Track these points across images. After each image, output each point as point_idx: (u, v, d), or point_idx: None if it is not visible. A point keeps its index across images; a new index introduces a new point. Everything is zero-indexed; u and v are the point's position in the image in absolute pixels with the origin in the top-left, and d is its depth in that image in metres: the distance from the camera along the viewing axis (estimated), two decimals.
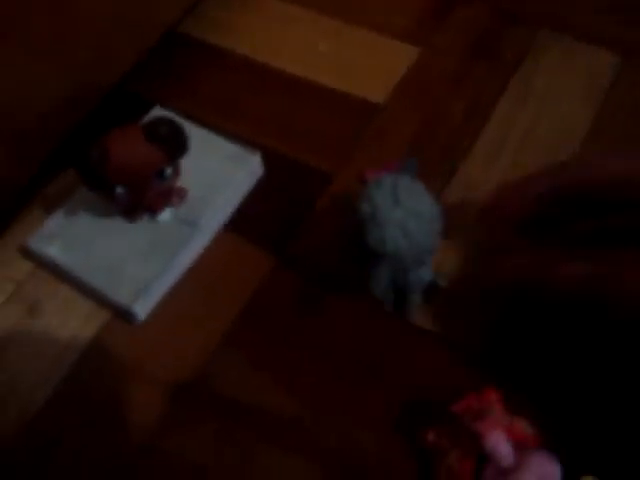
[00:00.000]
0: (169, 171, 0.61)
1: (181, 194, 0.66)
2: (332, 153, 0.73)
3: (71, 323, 0.65)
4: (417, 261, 0.58)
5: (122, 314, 0.64)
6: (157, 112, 0.72)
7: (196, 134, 0.64)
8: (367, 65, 0.79)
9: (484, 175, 0.71)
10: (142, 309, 0.63)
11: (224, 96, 0.78)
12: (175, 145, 0.60)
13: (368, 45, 0.81)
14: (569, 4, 0.83)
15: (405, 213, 0.56)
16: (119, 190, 0.60)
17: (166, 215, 0.66)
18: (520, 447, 0.51)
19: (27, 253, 0.68)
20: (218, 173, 0.68)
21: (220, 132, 0.71)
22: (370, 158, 0.72)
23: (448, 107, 0.76)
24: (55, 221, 0.68)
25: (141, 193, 0.62)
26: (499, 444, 0.50)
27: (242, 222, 0.69)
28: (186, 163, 0.63)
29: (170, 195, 0.65)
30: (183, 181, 0.65)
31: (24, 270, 0.68)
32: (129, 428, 0.59)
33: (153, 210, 0.65)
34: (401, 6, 0.85)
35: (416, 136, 0.74)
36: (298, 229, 0.68)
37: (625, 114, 0.74)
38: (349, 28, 0.83)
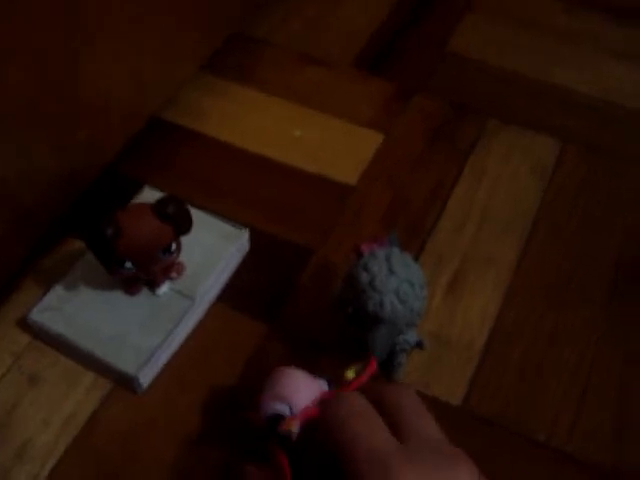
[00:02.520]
0: (174, 247, 0.66)
1: (179, 269, 0.70)
2: (311, 229, 0.79)
3: (73, 394, 0.68)
4: (410, 324, 0.64)
5: (125, 383, 0.67)
6: (147, 192, 0.77)
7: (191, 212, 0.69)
8: (337, 149, 0.87)
9: (450, 249, 0.78)
10: (146, 377, 0.67)
11: (207, 177, 0.83)
12: (182, 222, 0.65)
13: (337, 131, 0.89)
14: (512, 96, 0.93)
15: (399, 281, 0.62)
16: (128, 264, 0.64)
17: (164, 288, 0.70)
18: None
19: (25, 325, 0.70)
20: (211, 249, 0.73)
21: (206, 210, 0.76)
22: (346, 234, 0.79)
23: (413, 188, 0.83)
24: (55, 293, 0.70)
25: (147, 267, 0.66)
26: None
27: (233, 294, 0.74)
28: (182, 239, 0.68)
29: (170, 270, 0.69)
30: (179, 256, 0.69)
31: (22, 342, 0.71)
32: None
33: (154, 283, 0.69)
34: (364, 96, 0.93)
35: (386, 215, 0.81)
36: (286, 299, 0.73)
37: (569, 190, 0.84)
38: (318, 116, 0.90)
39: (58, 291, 0.71)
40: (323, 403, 0.52)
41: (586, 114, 0.92)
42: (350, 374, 0.59)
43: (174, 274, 0.70)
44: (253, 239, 0.76)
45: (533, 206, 0.82)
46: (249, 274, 0.75)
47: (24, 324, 0.71)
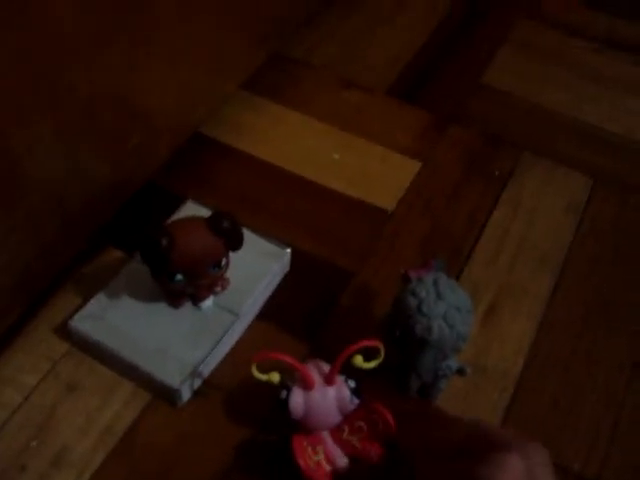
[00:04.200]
0: (224, 262, 0.66)
1: (224, 284, 0.70)
2: (350, 253, 0.80)
3: (111, 404, 0.68)
4: (455, 349, 0.64)
5: (166, 395, 0.67)
6: (190, 206, 0.77)
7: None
8: (375, 175, 0.88)
9: (485, 276, 0.79)
10: (187, 391, 0.67)
11: (246, 194, 0.84)
12: (234, 238, 0.65)
13: (374, 156, 0.90)
14: (548, 131, 0.95)
15: (447, 305, 0.63)
16: (178, 277, 0.64)
17: (208, 302, 0.70)
18: None
19: (63, 332, 0.71)
20: (254, 266, 0.73)
21: (247, 228, 0.77)
22: (384, 258, 0.80)
23: (449, 216, 0.84)
24: (98, 301, 0.71)
25: (196, 281, 0.66)
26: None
27: (274, 312, 0.74)
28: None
29: (216, 284, 0.69)
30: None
31: (59, 350, 0.71)
32: None
33: (198, 297, 0.69)
34: (400, 123, 0.95)
35: (423, 242, 0.82)
36: (326, 319, 0.74)
37: (600, 226, 0.85)
38: (356, 140, 0.91)
39: (101, 299, 0.71)
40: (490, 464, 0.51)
41: (615, 151, 0.94)
42: (358, 360, 0.61)
43: (219, 289, 0.70)
44: (293, 259, 0.77)
45: (567, 239, 0.83)
46: (290, 293, 0.76)
47: (62, 331, 0.71)
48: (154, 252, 0.63)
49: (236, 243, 0.66)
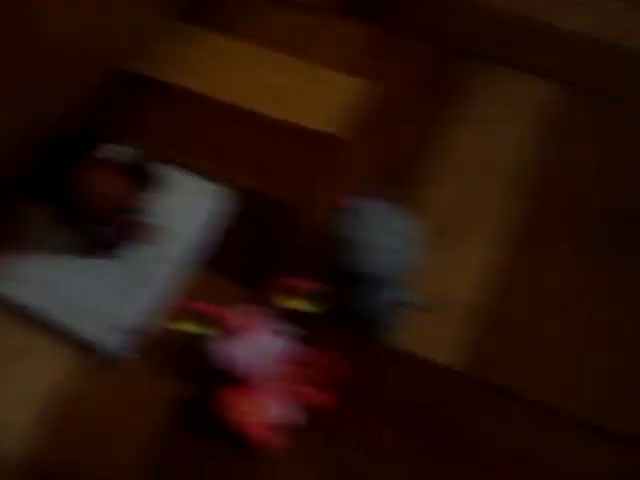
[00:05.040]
0: (139, 206, 0.61)
1: (147, 230, 0.66)
2: (294, 183, 0.74)
3: (35, 365, 0.64)
4: (394, 280, 0.59)
5: (95, 352, 0.63)
6: (110, 149, 0.72)
7: (160, 170, 0.65)
8: (319, 98, 0.81)
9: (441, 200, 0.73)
10: (116, 346, 0.63)
11: (181, 132, 0.79)
12: (143, 177, 0.61)
13: (316, 78, 0.83)
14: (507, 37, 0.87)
15: (378, 234, 0.57)
16: (90, 224, 0.60)
17: (126, 251, 0.66)
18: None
19: None
20: (189, 208, 0.69)
21: (181, 167, 0.72)
22: (330, 187, 0.74)
23: (400, 136, 0.78)
24: (11, 259, 0.66)
25: (108, 227, 0.61)
26: None
27: (215, 255, 0.69)
28: (154, 199, 0.64)
29: (133, 230, 0.65)
30: (150, 218, 0.65)
31: None
32: None
33: (115, 245, 0.65)
34: (344, 39, 0.87)
35: (373, 165, 0.76)
36: (271, 261, 0.69)
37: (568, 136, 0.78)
38: (297, 62, 0.84)
39: (16, 256, 0.66)
40: None
41: (591, 56, 0.85)
42: (297, 304, 0.58)
43: (142, 236, 0.65)
44: (236, 197, 0.72)
45: (531, 155, 0.77)
46: (232, 236, 0.71)
47: None
48: (58, 200, 0.58)
49: (148, 183, 0.61)
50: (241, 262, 0.69)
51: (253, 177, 0.75)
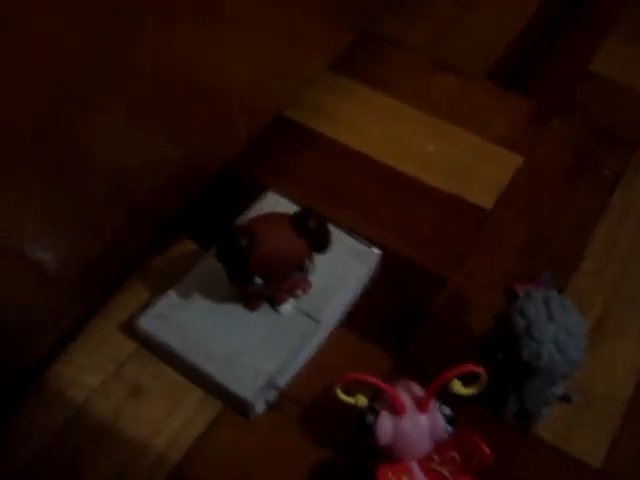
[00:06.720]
0: (310, 264, 0.59)
1: (306, 287, 0.64)
2: (444, 255, 0.73)
3: (178, 412, 0.62)
4: (565, 376, 0.57)
5: (237, 406, 0.61)
6: (271, 198, 0.71)
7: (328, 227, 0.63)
8: (473, 169, 0.80)
9: (592, 289, 0.71)
10: (261, 403, 0.61)
11: (332, 185, 0.77)
12: (320, 239, 0.59)
13: (472, 149, 0.81)
14: None
15: (559, 329, 0.55)
16: (257, 280, 0.58)
17: (288, 306, 0.64)
18: None
19: (130, 331, 0.65)
20: (338, 267, 0.66)
21: (332, 223, 0.70)
22: (481, 263, 0.72)
23: (553, 220, 0.76)
24: (168, 300, 0.65)
25: (277, 284, 0.60)
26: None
27: (359, 318, 0.68)
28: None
29: (297, 287, 0.63)
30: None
31: (125, 350, 0.66)
32: None
33: (277, 300, 0.63)
34: (500, 112, 0.86)
35: (523, 246, 0.74)
36: (415, 330, 0.67)
37: None
38: (452, 129, 0.83)
39: (171, 297, 0.65)
40: None
41: None
42: (457, 386, 0.54)
43: (300, 292, 0.64)
44: (381, 260, 0.70)
45: None
46: (377, 299, 0.69)
47: (129, 329, 0.66)
48: (232, 253, 0.57)
49: (322, 245, 0.59)
50: (386, 328, 0.67)
51: (400, 241, 0.73)
